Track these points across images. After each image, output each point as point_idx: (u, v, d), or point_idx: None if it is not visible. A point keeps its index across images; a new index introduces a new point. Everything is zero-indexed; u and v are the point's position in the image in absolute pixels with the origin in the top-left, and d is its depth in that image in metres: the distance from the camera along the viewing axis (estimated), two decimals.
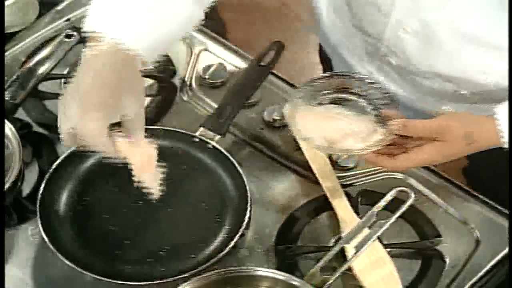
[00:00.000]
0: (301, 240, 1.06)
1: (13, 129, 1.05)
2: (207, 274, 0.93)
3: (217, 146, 1.10)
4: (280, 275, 0.93)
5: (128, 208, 1.07)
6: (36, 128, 1.18)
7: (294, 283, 0.92)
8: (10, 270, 1.01)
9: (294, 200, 1.11)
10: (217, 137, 1.10)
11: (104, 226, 1.06)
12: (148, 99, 1.21)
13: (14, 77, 1.10)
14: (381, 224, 0.94)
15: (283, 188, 1.13)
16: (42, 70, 1.11)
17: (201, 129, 1.11)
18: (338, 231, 1.05)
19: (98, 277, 0.95)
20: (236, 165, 1.08)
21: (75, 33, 1.17)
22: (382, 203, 0.96)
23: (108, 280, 0.95)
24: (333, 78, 1.04)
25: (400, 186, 0.98)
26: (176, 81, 1.27)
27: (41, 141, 1.17)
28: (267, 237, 1.06)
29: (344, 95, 1.03)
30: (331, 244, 1.05)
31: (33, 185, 1.10)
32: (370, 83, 1.03)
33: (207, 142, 1.11)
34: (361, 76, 1.06)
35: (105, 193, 1.09)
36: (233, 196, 1.09)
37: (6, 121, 1.05)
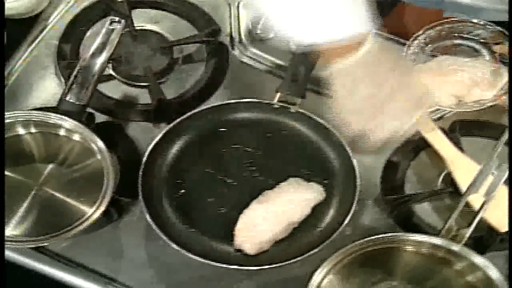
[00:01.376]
0: (407, 186, 1.08)
1: (97, 138, 1.01)
2: (351, 247, 0.94)
3: (302, 111, 1.08)
4: (423, 237, 0.93)
5: (228, 187, 1.08)
6: (99, 116, 1.13)
7: (438, 242, 0.93)
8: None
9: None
10: (298, 100, 1.08)
11: (212, 210, 1.06)
12: (201, 67, 1.19)
13: (72, 78, 1.03)
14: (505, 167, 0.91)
15: None
16: (99, 65, 1.03)
17: (279, 94, 1.09)
18: (442, 170, 1.07)
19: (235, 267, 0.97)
20: (327, 125, 1.07)
21: (118, 18, 1.07)
22: (502, 139, 0.93)
23: (238, 267, 0.97)
24: (434, 28, 1.00)
25: None
26: (224, 40, 1.22)
27: (109, 128, 1.14)
28: (372, 187, 1.08)
29: (451, 41, 0.98)
30: (439, 186, 1.07)
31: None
32: (474, 23, 0.98)
33: (288, 108, 1.09)
34: (463, 18, 1.01)
35: (201, 175, 1.09)
36: (333, 158, 1.09)
37: (85, 127, 1.01)
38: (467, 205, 0.92)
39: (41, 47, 1.21)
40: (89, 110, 1.06)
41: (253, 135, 1.09)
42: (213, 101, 1.14)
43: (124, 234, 1.05)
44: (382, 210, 1.07)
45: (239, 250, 1.01)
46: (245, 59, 1.20)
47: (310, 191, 1.04)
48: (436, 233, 0.93)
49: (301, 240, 1.02)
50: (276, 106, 1.09)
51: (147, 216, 0.99)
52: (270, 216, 1.01)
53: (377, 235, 0.94)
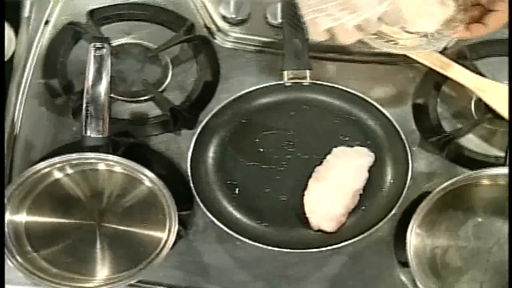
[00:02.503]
0: (444, 123, 1.13)
1: (138, 165, 1.02)
2: (432, 196, 0.98)
3: (315, 81, 1.11)
4: (498, 170, 0.99)
5: (278, 173, 1.11)
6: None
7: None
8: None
9: (404, 87, 1.17)
10: (307, 72, 1.10)
11: (273, 200, 1.10)
12: (193, 66, 1.20)
13: (84, 112, 1.01)
14: None
15: (384, 83, 1.17)
16: (103, 93, 1.02)
17: (285, 72, 1.10)
18: (471, 98, 1.13)
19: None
20: (345, 88, 1.11)
21: (100, 44, 1.05)
22: None
23: (324, 248, 1.03)
24: None
25: None
26: (203, 32, 1.21)
27: (136, 149, 1.13)
28: (411, 134, 1.13)
29: None
30: (474, 115, 1.13)
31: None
32: None
33: (300, 82, 1.11)
34: None
35: (247, 170, 1.12)
36: (365, 118, 1.12)
37: (122, 158, 1.02)
38: None
39: (29, 90, 1.17)
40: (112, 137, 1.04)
41: (278, 117, 1.11)
42: (222, 95, 1.15)
43: (198, 245, 1.09)
44: (431, 153, 1.12)
45: (319, 230, 1.05)
46: (230, 45, 1.19)
47: (358, 156, 1.08)
48: (497, 162, 1.02)
49: (373, 205, 1.07)
50: (288, 84, 1.10)
51: (218, 223, 1.03)
52: (332, 190, 1.05)
53: (439, 178, 1.04)
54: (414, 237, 0.97)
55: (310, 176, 1.07)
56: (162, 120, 1.13)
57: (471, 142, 1.12)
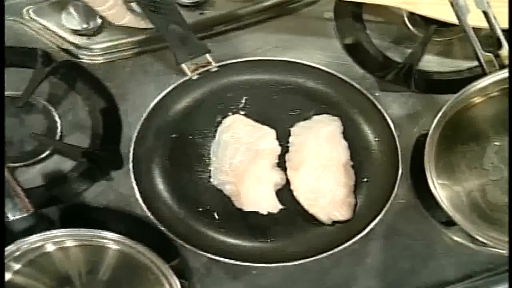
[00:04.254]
0: (388, 53, 1.04)
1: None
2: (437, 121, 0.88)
3: (220, 63, 0.99)
4: (486, 80, 0.88)
5: None
6: None
7: (501, 77, 0.88)
8: None
9: (321, 33, 1.07)
10: (207, 56, 0.98)
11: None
12: (75, 96, 1.05)
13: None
14: None
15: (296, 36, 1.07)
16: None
17: (184, 66, 0.98)
18: (401, 15, 1.05)
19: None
20: (277, 58, 0.99)
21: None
22: None
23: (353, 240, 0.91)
24: None
25: None
26: (62, 57, 1.06)
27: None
28: (361, 80, 1.02)
29: None
30: (412, 30, 1.05)
31: None
32: None
33: (208, 70, 0.99)
34: None
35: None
36: (303, 81, 1.01)
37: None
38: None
39: None
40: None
41: (208, 115, 1.01)
42: (130, 118, 1.03)
43: None
44: (398, 92, 1.02)
45: (335, 222, 0.95)
46: (103, 59, 1.06)
47: (323, 125, 0.98)
48: (474, 73, 0.95)
49: (373, 171, 0.97)
50: (195, 77, 0.98)
51: (218, 258, 0.91)
52: (319, 172, 0.95)
53: (425, 116, 0.98)
54: (440, 190, 0.87)
55: (285, 169, 0.98)
56: (82, 171, 0.99)
57: (433, 63, 1.04)
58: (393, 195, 0.91)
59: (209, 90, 1.01)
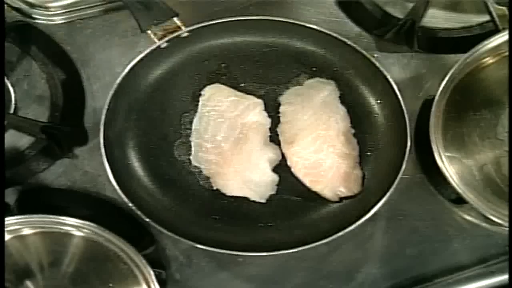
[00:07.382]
0: (387, 8, 0.96)
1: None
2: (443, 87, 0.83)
3: (193, 27, 0.89)
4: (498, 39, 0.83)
5: None
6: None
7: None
8: None
9: None
10: (176, 20, 0.89)
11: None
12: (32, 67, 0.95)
13: None
14: None
15: None
16: None
17: (149, 32, 0.88)
18: None
19: None
20: (260, 17, 0.90)
21: None
22: None
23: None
24: None
25: None
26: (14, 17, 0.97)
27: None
28: (357, 39, 0.95)
29: None
30: None
31: None
32: None
33: (179, 35, 0.89)
34: None
35: None
36: (308, 48, 0.92)
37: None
38: None
39: None
40: None
41: (188, 86, 0.92)
42: (94, 87, 0.94)
43: (194, 282, 0.91)
44: (399, 52, 0.95)
45: (343, 198, 0.87)
46: (61, 19, 0.97)
47: (317, 91, 0.90)
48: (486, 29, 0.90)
49: (378, 140, 0.89)
50: (164, 45, 0.89)
51: (201, 246, 0.83)
52: (318, 145, 0.88)
53: (430, 78, 0.90)
54: (449, 164, 0.82)
55: (279, 143, 0.90)
56: (41, 148, 0.91)
57: (438, 18, 0.96)
58: (403, 168, 0.83)
59: (182, 59, 0.92)
